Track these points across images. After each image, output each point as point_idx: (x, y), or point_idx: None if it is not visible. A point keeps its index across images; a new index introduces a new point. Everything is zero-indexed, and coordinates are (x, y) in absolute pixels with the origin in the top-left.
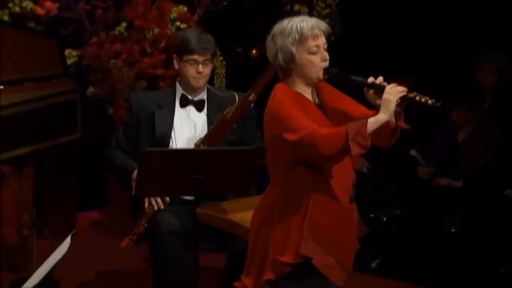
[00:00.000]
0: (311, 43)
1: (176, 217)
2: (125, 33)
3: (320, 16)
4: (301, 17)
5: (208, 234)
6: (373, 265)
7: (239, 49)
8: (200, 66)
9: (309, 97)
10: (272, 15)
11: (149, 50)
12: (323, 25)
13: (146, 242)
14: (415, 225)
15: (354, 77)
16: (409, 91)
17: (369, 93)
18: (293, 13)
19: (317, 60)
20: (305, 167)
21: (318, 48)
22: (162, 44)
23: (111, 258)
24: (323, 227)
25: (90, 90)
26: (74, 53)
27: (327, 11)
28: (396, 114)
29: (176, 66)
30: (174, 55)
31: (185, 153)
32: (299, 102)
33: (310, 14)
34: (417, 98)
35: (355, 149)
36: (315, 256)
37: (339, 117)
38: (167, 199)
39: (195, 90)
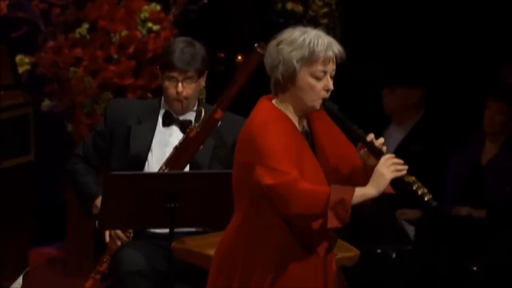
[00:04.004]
0: (319, 66)
1: (143, 254)
2: (87, 36)
3: (317, 16)
4: (316, 31)
5: (185, 273)
6: None
7: (222, 55)
8: (180, 85)
9: (296, 123)
10: (260, 15)
11: (115, 56)
12: (338, 48)
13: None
14: (430, 262)
15: (352, 126)
16: (408, 172)
17: (362, 151)
18: (285, 13)
19: (319, 87)
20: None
21: (324, 74)
22: (131, 49)
23: None
24: (293, 280)
25: (46, 103)
26: (26, 59)
27: (325, 10)
28: None
29: (161, 81)
30: (158, 68)
31: (158, 178)
32: (284, 131)
33: (306, 13)
34: (415, 187)
35: (332, 221)
36: None
37: (328, 153)
38: (130, 232)
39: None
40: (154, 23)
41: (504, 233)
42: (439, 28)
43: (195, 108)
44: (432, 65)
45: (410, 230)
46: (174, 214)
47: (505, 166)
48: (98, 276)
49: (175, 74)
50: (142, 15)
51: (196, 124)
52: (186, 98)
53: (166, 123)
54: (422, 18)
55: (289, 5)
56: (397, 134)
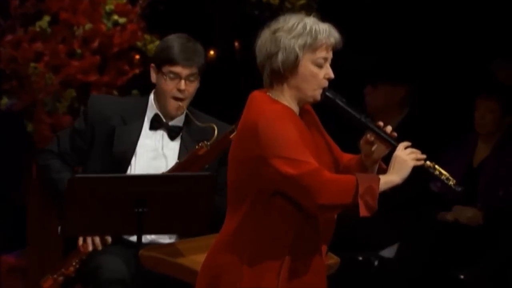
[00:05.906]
0: (322, 53)
1: (121, 262)
2: (48, 30)
3: (294, 9)
4: (312, 18)
5: (155, 283)
6: None
7: None
8: (183, 82)
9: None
10: (234, 7)
11: (79, 51)
12: (337, 35)
13: (75, 286)
14: (414, 270)
15: (357, 114)
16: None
17: (370, 138)
18: (260, 4)
19: (321, 75)
20: (286, 200)
21: (325, 61)
22: (96, 44)
23: None
24: (302, 281)
25: (4, 101)
26: None
27: (302, 2)
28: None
29: (153, 80)
30: (152, 65)
31: (124, 181)
32: (293, 121)
33: (282, 5)
34: (437, 172)
35: (363, 211)
36: None
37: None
38: (109, 238)
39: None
40: (120, 15)
41: (501, 241)
42: (423, 22)
43: (184, 112)
44: (416, 62)
45: (392, 250)
46: (143, 219)
47: (498, 168)
48: (60, 279)
49: (178, 69)
50: (107, 7)
51: (208, 143)
52: (186, 97)
53: (153, 127)
54: (406, 11)
55: None
56: None
